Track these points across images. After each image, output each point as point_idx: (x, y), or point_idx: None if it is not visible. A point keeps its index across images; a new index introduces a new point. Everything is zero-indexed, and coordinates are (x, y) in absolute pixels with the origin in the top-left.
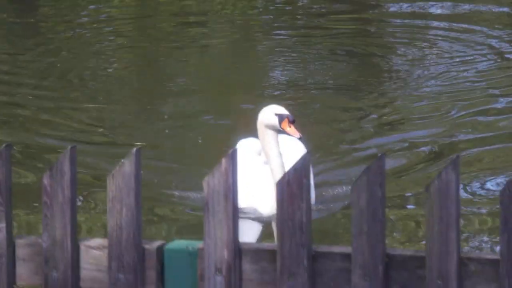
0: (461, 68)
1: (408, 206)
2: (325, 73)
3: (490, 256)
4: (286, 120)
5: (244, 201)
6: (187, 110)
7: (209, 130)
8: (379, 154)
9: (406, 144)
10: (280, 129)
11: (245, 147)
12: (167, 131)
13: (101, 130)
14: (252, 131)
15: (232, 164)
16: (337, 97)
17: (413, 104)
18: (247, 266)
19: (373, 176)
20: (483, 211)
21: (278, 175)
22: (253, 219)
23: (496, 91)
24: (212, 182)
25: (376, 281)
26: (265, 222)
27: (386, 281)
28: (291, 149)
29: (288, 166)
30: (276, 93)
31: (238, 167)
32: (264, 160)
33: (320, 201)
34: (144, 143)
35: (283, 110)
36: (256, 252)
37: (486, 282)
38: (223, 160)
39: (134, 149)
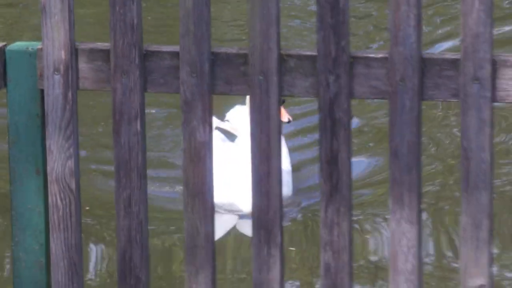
0: None
1: None
2: None
3: (309, 53)
4: None
5: (220, 195)
6: None
7: None
8: None
9: None
10: None
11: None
12: None
13: None
14: None
15: None
16: None
17: None
18: (84, 65)
19: None
20: None
21: None
22: (229, 213)
23: None
24: None
25: (202, 77)
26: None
27: (212, 77)
28: None
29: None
30: None
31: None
32: (240, 146)
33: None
34: None
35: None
36: (91, 52)
37: (304, 76)
38: None
39: None
